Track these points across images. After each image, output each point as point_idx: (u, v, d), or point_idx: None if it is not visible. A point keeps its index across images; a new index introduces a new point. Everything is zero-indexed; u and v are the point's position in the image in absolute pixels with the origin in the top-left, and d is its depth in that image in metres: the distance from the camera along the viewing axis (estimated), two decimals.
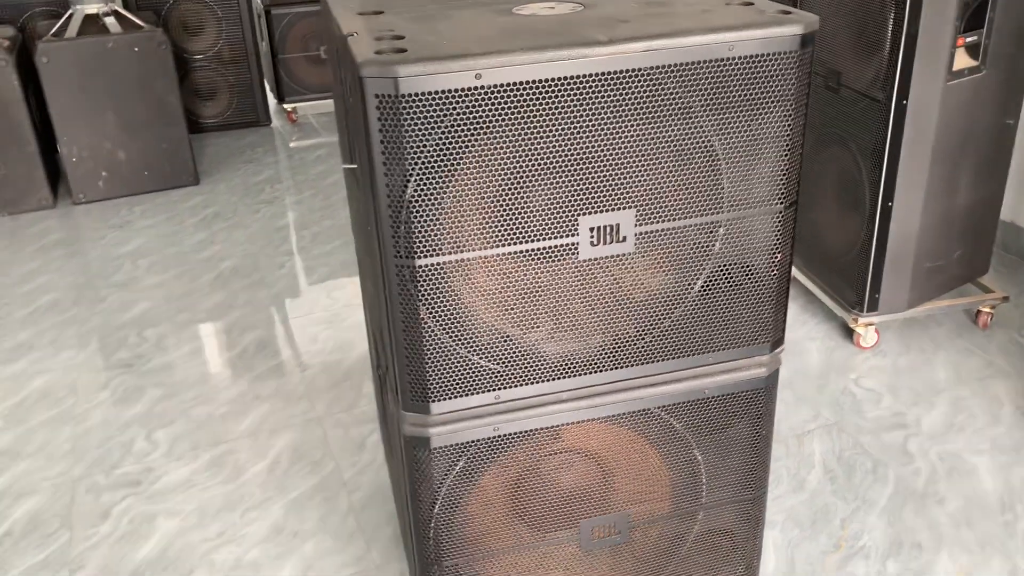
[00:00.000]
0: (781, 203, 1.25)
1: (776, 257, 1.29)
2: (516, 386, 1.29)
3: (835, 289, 2.56)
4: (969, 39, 2.17)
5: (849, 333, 2.59)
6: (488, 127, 1.11)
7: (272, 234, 3.46)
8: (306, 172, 4.09)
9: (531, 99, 1.10)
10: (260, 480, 2.13)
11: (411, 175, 1.11)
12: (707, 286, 1.29)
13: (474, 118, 1.10)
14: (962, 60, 2.18)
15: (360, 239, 1.62)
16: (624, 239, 1.22)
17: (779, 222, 1.26)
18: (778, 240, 1.28)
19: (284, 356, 2.64)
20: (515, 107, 1.10)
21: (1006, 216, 2.98)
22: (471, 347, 1.24)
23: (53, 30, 3.66)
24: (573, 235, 1.20)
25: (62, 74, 3.54)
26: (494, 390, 1.28)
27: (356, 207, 1.56)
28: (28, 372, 2.61)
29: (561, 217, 1.19)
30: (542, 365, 1.28)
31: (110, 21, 3.69)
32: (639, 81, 1.13)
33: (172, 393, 2.48)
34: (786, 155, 1.22)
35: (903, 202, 2.29)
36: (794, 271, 2.76)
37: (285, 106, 4.68)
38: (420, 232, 1.14)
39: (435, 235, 1.15)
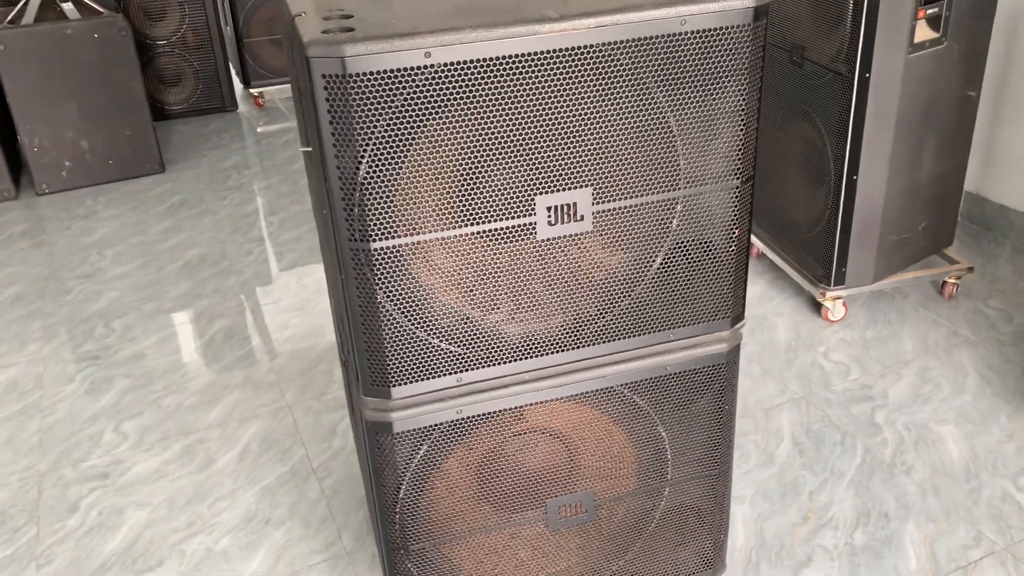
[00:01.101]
0: (738, 179, 1.25)
1: (734, 233, 1.28)
2: (478, 368, 1.28)
3: (802, 263, 2.57)
4: (930, 11, 2.17)
5: (817, 307, 2.60)
6: (440, 106, 1.09)
7: (240, 221, 3.42)
8: (274, 157, 4.05)
9: (483, 77, 1.09)
10: (230, 469, 2.12)
11: (363, 156, 1.09)
12: (666, 263, 1.29)
13: (425, 97, 1.08)
14: (923, 32, 2.18)
15: (319, 224, 1.60)
16: (582, 218, 1.22)
17: (736, 198, 1.26)
18: (736, 216, 1.27)
19: (253, 344, 2.62)
20: (467, 86, 1.09)
21: (970, 187, 3.00)
22: (431, 330, 1.23)
23: (9, 17, 3.58)
24: (530, 215, 1.20)
25: (20, 62, 3.47)
26: (456, 372, 1.27)
27: (314, 191, 1.54)
28: None
29: (518, 197, 1.18)
30: (504, 346, 1.28)
31: (68, 7, 3.62)
32: (591, 57, 1.11)
33: (140, 384, 2.46)
34: (742, 130, 1.21)
35: (868, 175, 2.30)
36: (761, 246, 2.77)
37: (251, 91, 4.62)
38: (374, 215, 1.13)
39: (390, 217, 1.14)
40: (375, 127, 1.08)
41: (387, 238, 1.15)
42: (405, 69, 1.05)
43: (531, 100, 1.12)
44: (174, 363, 2.54)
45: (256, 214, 3.48)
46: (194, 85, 4.48)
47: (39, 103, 3.56)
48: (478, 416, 1.32)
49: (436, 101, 1.09)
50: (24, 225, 3.48)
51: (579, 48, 1.10)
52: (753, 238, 2.82)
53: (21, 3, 3.66)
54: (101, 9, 3.69)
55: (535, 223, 1.20)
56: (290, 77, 1.62)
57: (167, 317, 2.78)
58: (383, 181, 1.11)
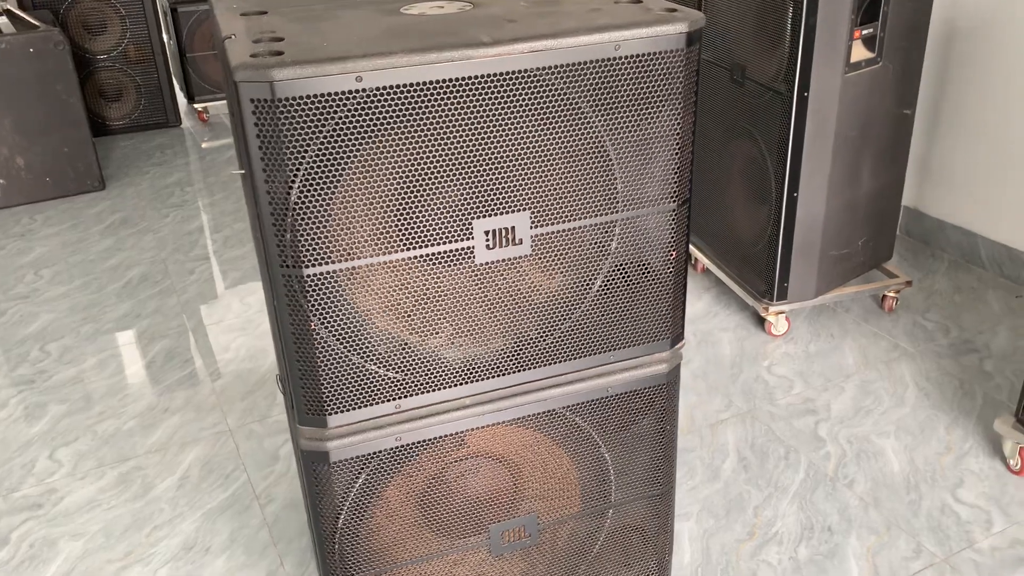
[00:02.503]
0: (674, 201, 1.25)
1: (672, 255, 1.29)
2: (417, 394, 1.26)
3: (746, 279, 2.60)
4: (865, 31, 2.22)
5: (761, 322, 2.63)
6: (373, 131, 1.08)
7: (182, 239, 3.36)
8: (218, 174, 3.98)
9: (416, 102, 1.08)
10: (169, 496, 2.06)
11: (293, 181, 1.07)
12: (606, 285, 1.29)
13: (357, 122, 1.07)
14: (859, 52, 2.23)
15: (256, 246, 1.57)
16: (520, 241, 1.21)
17: (674, 220, 1.27)
18: (673, 238, 1.28)
19: (195, 366, 2.56)
20: (400, 110, 1.08)
21: (908, 202, 3.07)
22: (367, 356, 1.21)
23: None
24: (468, 239, 1.19)
25: None
26: (394, 399, 1.25)
27: (251, 213, 1.51)
28: None
29: (455, 221, 1.17)
30: (443, 371, 1.26)
31: (3, 21, 3.53)
32: (526, 82, 1.11)
33: (77, 409, 2.39)
34: (677, 153, 1.22)
35: (808, 192, 2.33)
36: (706, 261, 2.80)
37: (196, 106, 4.55)
38: (307, 240, 1.11)
39: (323, 243, 1.12)
40: (306, 152, 1.06)
41: (320, 264, 1.13)
42: (336, 93, 1.04)
43: (466, 124, 1.11)
44: (112, 386, 2.48)
45: (199, 232, 3.42)
46: (136, 100, 4.40)
47: None
48: (418, 443, 1.30)
49: (369, 125, 1.07)
50: None
51: (513, 73, 1.10)
52: (697, 253, 2.85)
53: None
54: (37, 23, 3.60)
55: (473, 247, 1.19)
56: (227, 98, 1.59)
57: (106, 339, 2.71)
58: (315, 206, 1.09)
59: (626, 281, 1.29)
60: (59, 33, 3.51)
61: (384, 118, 1.07)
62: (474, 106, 1.10)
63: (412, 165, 1.12)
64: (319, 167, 1.07)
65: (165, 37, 4.45)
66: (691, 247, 2.87)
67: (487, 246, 1.20)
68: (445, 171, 1.13)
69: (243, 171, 1.34)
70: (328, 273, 1.14)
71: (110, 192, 3.80)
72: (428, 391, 1.27)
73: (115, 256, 3.23)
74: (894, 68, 2.33)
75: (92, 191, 3.78)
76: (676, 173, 1.23)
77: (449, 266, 1.20)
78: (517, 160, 1.16)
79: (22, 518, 2.02)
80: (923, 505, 1.95)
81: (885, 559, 1.81)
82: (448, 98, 1.09)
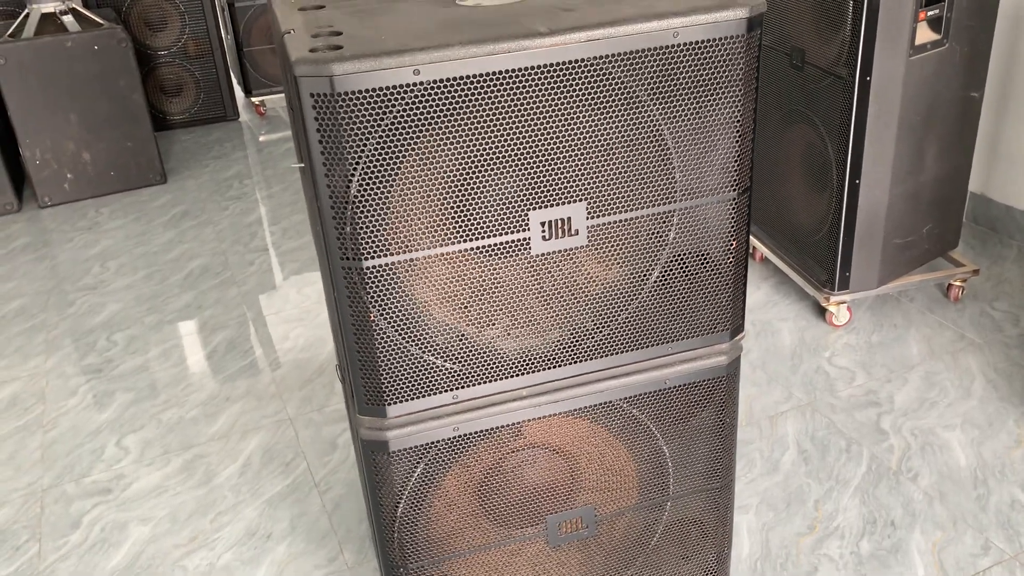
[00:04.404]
0: (734, 190, 1.23)
1: (732, 244, 1.27)
2: (474, 384, 1.27)
3: (806, 268, 2.55)
4: (931, 13, 2.15)
5: (821, 312, 2.58)
6: (430, 123, 1.08)
7: (242, 231, 3.42)
8: (275, 166, 4.04)
9: (473, 94, 1.08)
10: (232, 483, 2.11)
11: (353, 174, 1.08)
12: (664, 276, 1.27)
13: (415, 115, 1.07)
14: (924, 34, 2.16)
15: (315, 237, 1.59)
16: (576, 232, 1.20)
17: (733, 209, 1.25)
18: (733, 227, 1.26)
19: (255, 355, 2.61)
20: (457, 102, 1.08)
21: (975, 188, 2.97)
22: (426, 347, 1.22)
23: (10, 31, 3.59)
24: (524, 230, 1.18)
25: (21, 75, 3.48)
26: (452, 390, 1.26)
27: (310, 206, 1.53)
28: None
29: (511, 212, 1.17)
30: (500, 362, 1.27)
31: (68, 20, 3.62)
32: (583, 71, 1.10)
33: (142, 397, 2.45)
34: (737, 141, 1.20)
35: (870, 179, 2.27)
36: (765, 250, 2.75)
37: (253, 99, 4.62)
38: (366, 232, 1.12)
39: (382, 235, 1.13)
40: (365, 145, 1.07)
41: (380, 256, 1.14)
42: (394, 87, 1.04)
43: (522, 115, 1.11)
44: (176, 375, 2.54)
45: (258, 223, 3.48)
46: (195, 95, 4.49)
47: (40, 116, 3.56)
48: (475, 433, 1.30)
49: (426, 118, 1.07)
50: (27, 238, 3.48)
51: (570, 63, 1.09)
52: (756, 242, 2.80)
53: (21, 17, 3.66)
54: (101, 21, 3.69)
55: (529, 238, 1.19)
56: (285, 92, 1.61)
57: (169, 329, 2.78)
58: (375, 199, 1.10)
59: (684, 272, 1.28)
60: (122, 30, 3.59)
61: (442, 110, 1.08)
62: (531, 97, 1.10)
63: (469, 157, 1.12)
64: (378, 160, 1.08)
65: (223, 32, 4.52)
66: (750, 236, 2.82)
67: (543, 237, 1.20)
68: (501, 162, 1.13)
69: (302, 164, 1.35)
70: (387, 265, 1.15)
71: (171, 185, 3.89)
72: (485, 382, 1.27)
73: (177, 248, 3.31)
74: (961, 50, 2.26)
75: (154, 184, 3.87)
76: (736, 161, 1.21)
77: (505, 257, 1.20)
78: (574, 151, 1.15)
79: (93, 502, 2.08)
80: (991, 500, 1.89)
81: (951, 555, 1.77)
82: (505, 89, 1.09)
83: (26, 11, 3.65)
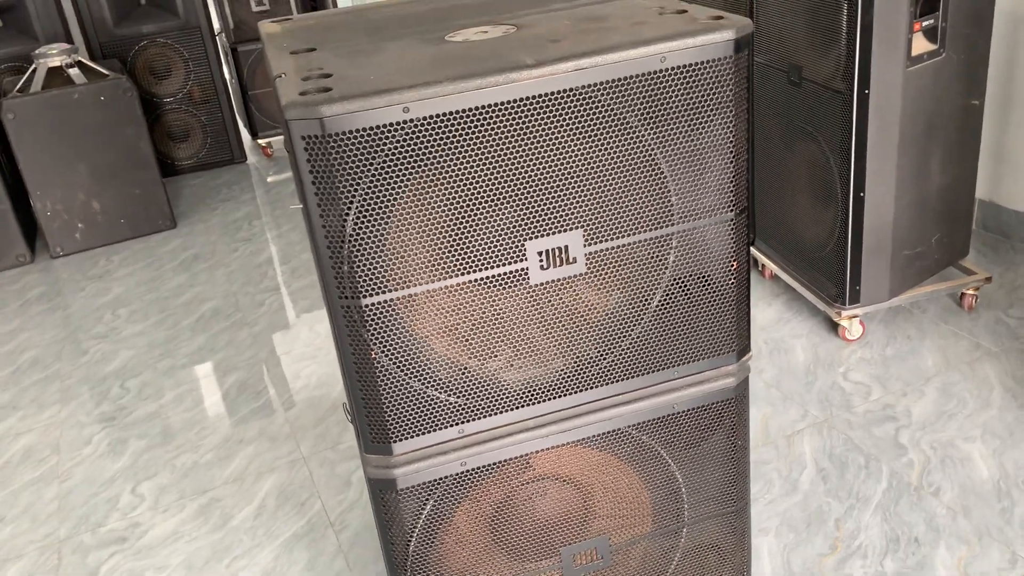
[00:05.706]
0: (732, 211, 1.23)
1: (732, 265, 1.26)
2: (480, 418, 1.26)
3: (816, 284, 2.53)
4: (926, 23, 2.15)
5: (834, 327, 2.56)
6: (423, 160, 1.08)
7: (252, 271, 3.44)
8: (284, 206, 4.07)
9: (463, 128, 1.08)
10: (247, 526, 2.10)
11: (348, 213, 1.08)
12: (665, 300, 1.27)
13: (407, 152, 1.07)
14: (920, 45, 2.16)
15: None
16: (574, 260, 1.20)
17: (732, 229, 1.24)
18: (733, 248, 1.25)
19: (268, 396, 2.61)
20: (448, 138, 1.08)
21: (983, 195, 2.95)
22: (429, 382, 1.21)
23: (18, 86, 3.65)
24: (521, 261, 1.18)
25: (29, 129, 3.53)
26: (457, 424, 1.25)
27: (311, 246, 1.54)
28: (11, 433, 2.58)
29: (507, 244, 1.16)
30: (504, 394, 1.26)
31: (74, 72, 3.68)
32: (572, 100, 1.10)
33: (156, 443, 2.46)
34: (732, 162, 1.19)
35: (875, 192, 2.26)
36: (774, 267, 2.74)
37: (259, 141, 4.67)
38: (363, 270, 1.12)
39: (379, 272, 1.13)
40: (359, 184, 1.07)
41: (378, 293, 1.14)
42: (384, 125, 1.05)
43: (514, 147, 1.11)
44: (189, 420, 2.54)
45: (268, 263, 3.50)
46: (202, 139, 4.54)
47: (50, 168, 3.61)
48: (483, 467, 1.29)
49: (418, 155, 1.08)
50: (40, 288, 3.51)
51: (559, 92, 1.09)
52: (765, 259, 2.79)
53: (29, 72, 3.72)
54: (106, 72, 3.75)
55: (527, 268, 1.19)
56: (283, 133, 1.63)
57: (182, 373, 2.79)
58: (370, 236, 1.10)
59: (687, 295, 1.27)
60: (127, 80, 3.64)
61: (433, 146, 1.08)
62: (521, 128, 1.10)
63: (463, 191, 1.12)
64: (372, 198, 1.08)
65: (227, 76, 4.58)
66: (758, 253, 2.81)
67: (541, 267, 1.19)
68: (496, 194, 1.13)
69: (301, 205, 1.36)
70: (386, 302, 1.14)
71: (181, 230, 3.92)
72: (490, 415, 1.26)
73: (188, 292, 3.33)
74: (959, 58, 2.25)
75: (164, 230, 3.91)
76: (732, 182, 1.20)
77: (504, 289, 1.20)
78: (567, 179, 1.15)
79: (109, 552, 2.08)
80: (1016, 512, 1.86)
81: (978, 570, 1.73)
82: (495, 122, 1.09)
83: (33, 66, 3.72)
